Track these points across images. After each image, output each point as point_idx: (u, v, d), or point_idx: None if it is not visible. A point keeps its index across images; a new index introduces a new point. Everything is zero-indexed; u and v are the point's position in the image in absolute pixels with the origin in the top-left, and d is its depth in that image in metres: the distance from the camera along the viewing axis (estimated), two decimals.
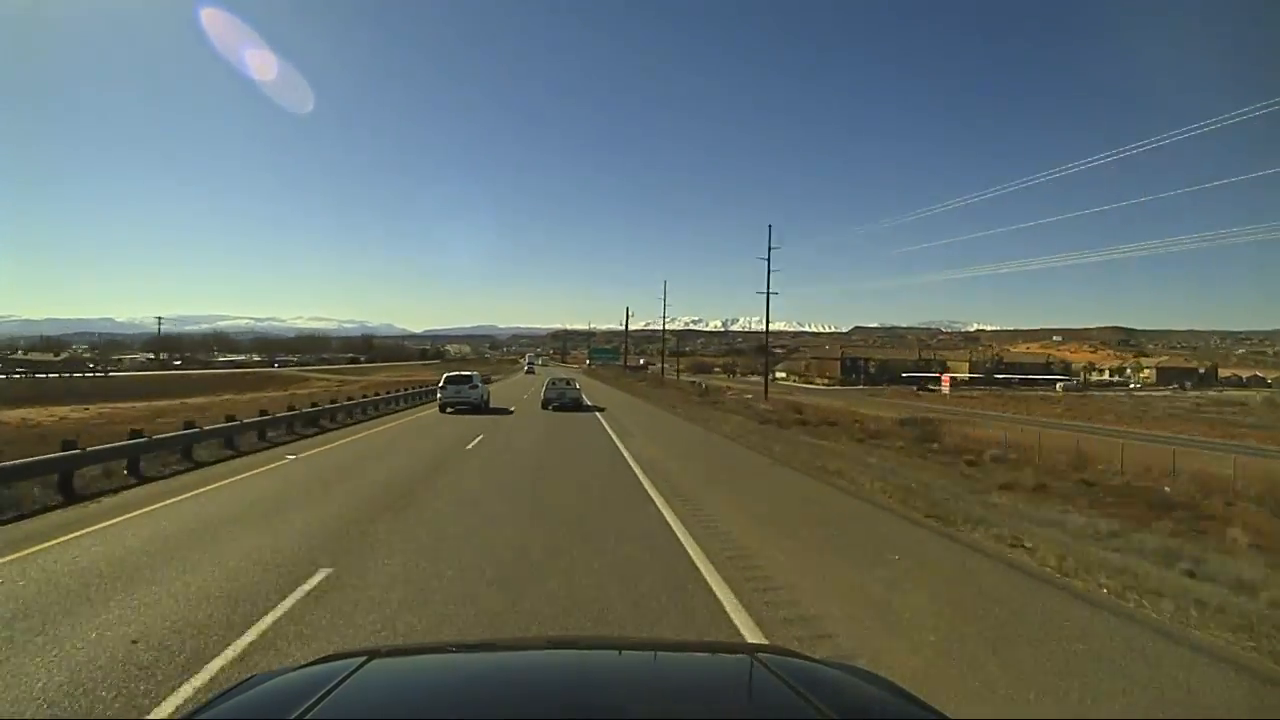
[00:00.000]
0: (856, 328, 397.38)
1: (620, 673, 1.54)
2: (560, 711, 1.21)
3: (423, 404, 28.13)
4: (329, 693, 1.17)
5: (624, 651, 1.91)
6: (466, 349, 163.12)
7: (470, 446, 14.30)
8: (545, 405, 24.77)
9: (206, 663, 3.75)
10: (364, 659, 1.39)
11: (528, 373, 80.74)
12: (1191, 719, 3.42)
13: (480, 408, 24.03)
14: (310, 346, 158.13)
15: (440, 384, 25.05)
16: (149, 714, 3.22)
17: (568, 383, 27.43)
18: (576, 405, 25.31)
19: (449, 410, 23.76)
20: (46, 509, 7.89)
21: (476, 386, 24.61)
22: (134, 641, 4.03)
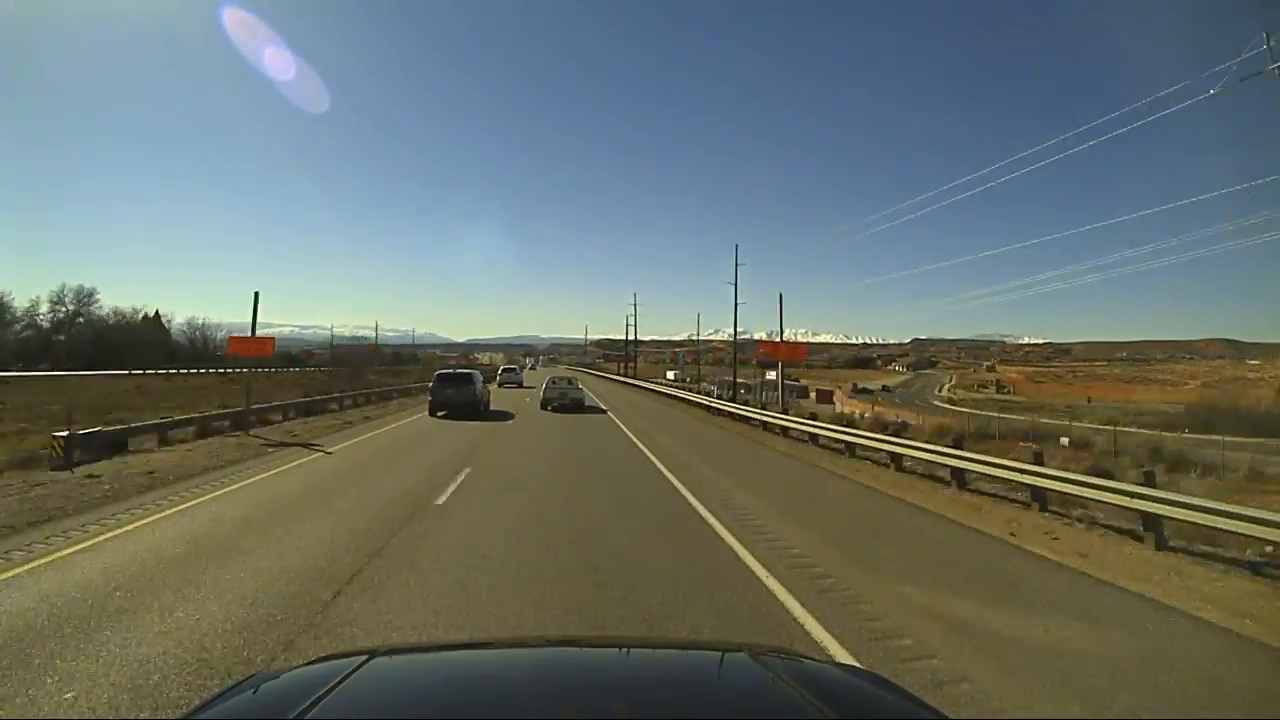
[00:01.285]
0: (915, 339, 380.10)
1: (620, 672, 1.59)
2: (560, 711, 1.23)
3: None
4: (329, 692, 1.19)
5: (624, 651, 1.99)
6: (500, 357, 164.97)
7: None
8: (544, 405, 24.63)
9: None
10: (364, 658, 1.42)
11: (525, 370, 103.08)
12: (1192, 719, 3.49)
13: (521, 384, 41.44)
14: None
15: (499, 371, 44.85)
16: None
17: (569, 382, 27.04)
18: (579, 407, 24.96)
19: (503, 387, 38.72)
20: None
21: (518, 373, 45.93)
22: None
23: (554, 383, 25.99)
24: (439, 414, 20.62)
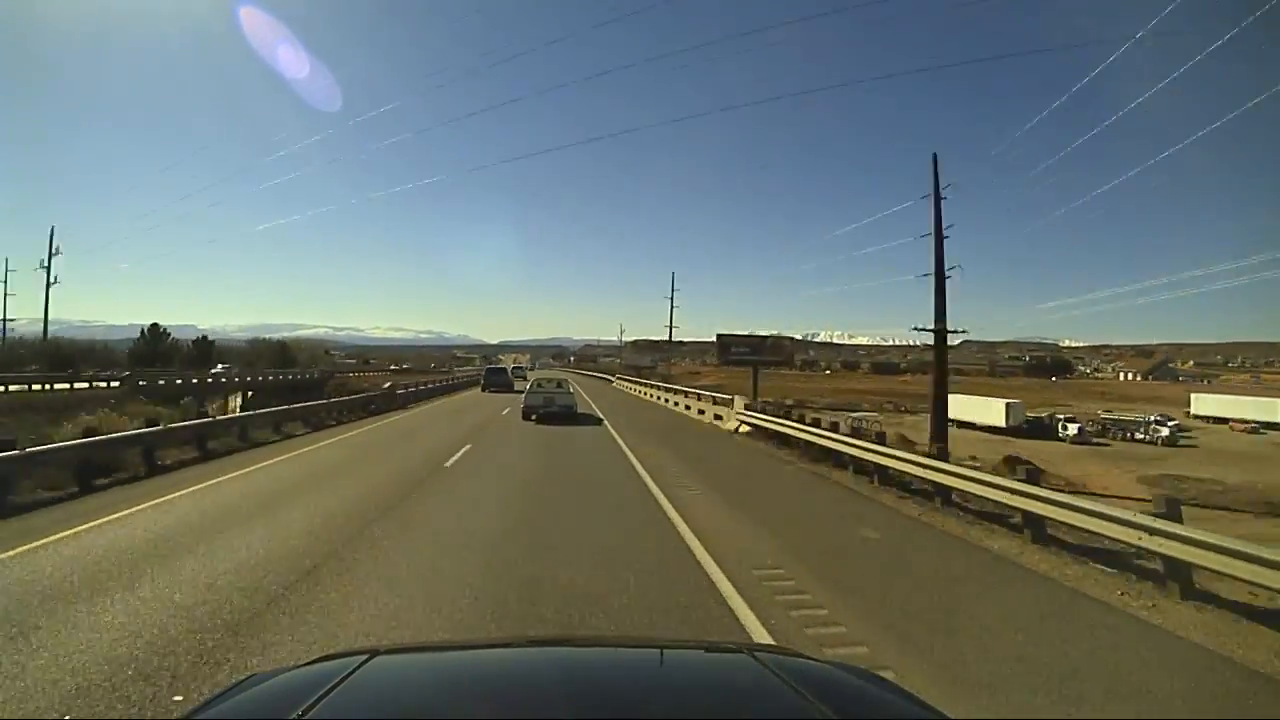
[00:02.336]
0: (965, 341, 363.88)
1: (621, 672, 1.63)
2: (561, 711, 1.25)
3: None
4: (329, 691, 1.22)
5: (624, 650, 2.06)
6: (525, 358, 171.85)
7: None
8: (527, 416, 20.99)
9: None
10: (365, 657, 1.46)
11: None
12: (1192, 719, 3.52)
13: (526, 378, 51.44)
14: None
15: (511, 368, 57.70)
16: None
17: (558, 385, 23.23)
18: (569, 416, 21.38)
19: (514, 378, 52.49)
20: None
21: (524, 370, 68.16)
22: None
23: (539, 387, 22.52)
24: (488, 390, 38.92)
